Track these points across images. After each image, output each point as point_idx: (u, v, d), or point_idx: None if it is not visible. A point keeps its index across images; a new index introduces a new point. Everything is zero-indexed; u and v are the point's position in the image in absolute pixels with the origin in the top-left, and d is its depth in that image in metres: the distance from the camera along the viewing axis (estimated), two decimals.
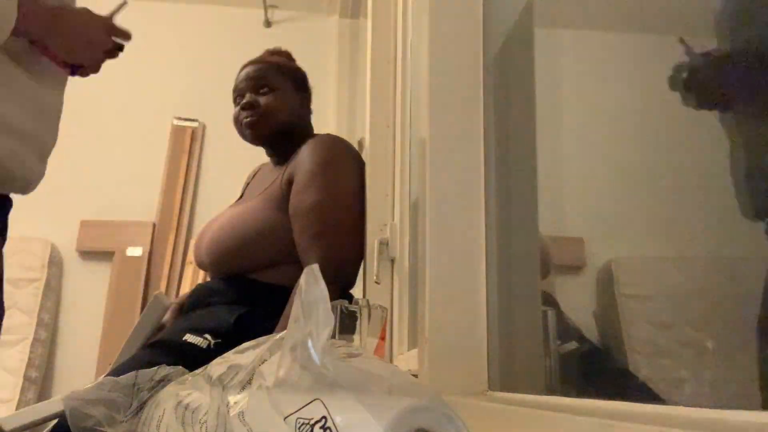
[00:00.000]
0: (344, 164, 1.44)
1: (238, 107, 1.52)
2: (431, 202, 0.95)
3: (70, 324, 2.82)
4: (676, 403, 0.50)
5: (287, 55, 1.66)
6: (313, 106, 1.69)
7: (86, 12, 1.08)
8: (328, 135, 1.54)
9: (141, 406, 0.79)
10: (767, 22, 0.55)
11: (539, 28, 0.96)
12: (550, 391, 0.83)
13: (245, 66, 1.57)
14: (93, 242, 2.92)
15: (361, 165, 1.50)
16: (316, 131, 1.66)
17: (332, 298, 1.38)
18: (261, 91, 1.50)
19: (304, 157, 1.42)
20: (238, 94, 1.54)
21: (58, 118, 1.09)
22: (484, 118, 0.98)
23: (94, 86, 3.13)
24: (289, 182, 1.41)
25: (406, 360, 1.21)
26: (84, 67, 1.10)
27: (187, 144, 3.08)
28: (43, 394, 2.63)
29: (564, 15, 0.93)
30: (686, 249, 0.69)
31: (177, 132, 3.10)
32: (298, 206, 1.36)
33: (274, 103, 1.50)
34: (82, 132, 3.03)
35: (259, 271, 1.39)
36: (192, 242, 2.95)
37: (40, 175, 1.06)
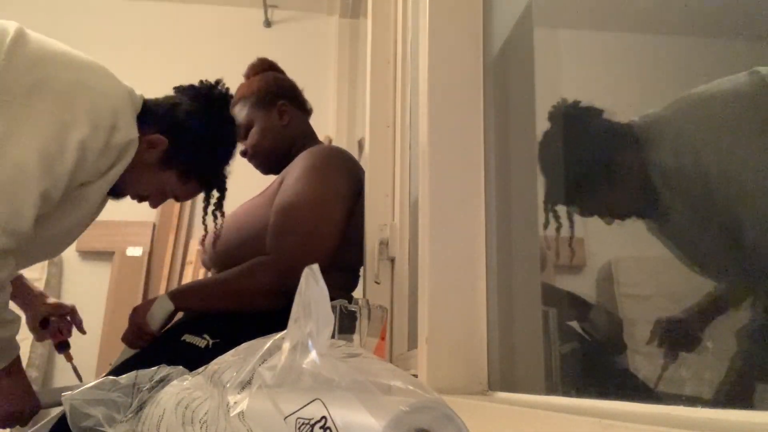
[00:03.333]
0: (330, 172, 1.43)
1: None
2: (431, 202, 0.95)
3: None
4: (676, 403, 0.50)
5: (255, 68, 1.67)
6: (313, 106, 1.69)
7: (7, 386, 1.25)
8: (327, 146, 1.55)
9: (141, 406, 0.79)
10: None
11: (539, 28, 0.96)
12: (550, 391, 0.82)
13: None
14: (93, 242, 2.92)
15: (355, 175, 1.49)
16: (316, 131, 1.66)
17: (277, 300, 1.34)
18: (243, 134, 1.58)
19: (297, 162, 1.45)
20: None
21: None
22: (484, 119, 0.98)
23: None
24: (281, 184, 1.43)
25: (406, 360, 1.21)
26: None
27: None
28: None
29: (564, 15, 0.93)
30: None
31: None
32: (276, 204, 1.38)
33: (254, 139, 1.56)
34: None
35: None
36: (192, 242, 2.95)
37: None
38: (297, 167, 1.43)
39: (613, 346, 0.80)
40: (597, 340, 0.86)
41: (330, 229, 1.37)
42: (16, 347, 1.21)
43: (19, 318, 1.19)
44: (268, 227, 1.37)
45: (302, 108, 1.63)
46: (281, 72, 1.70)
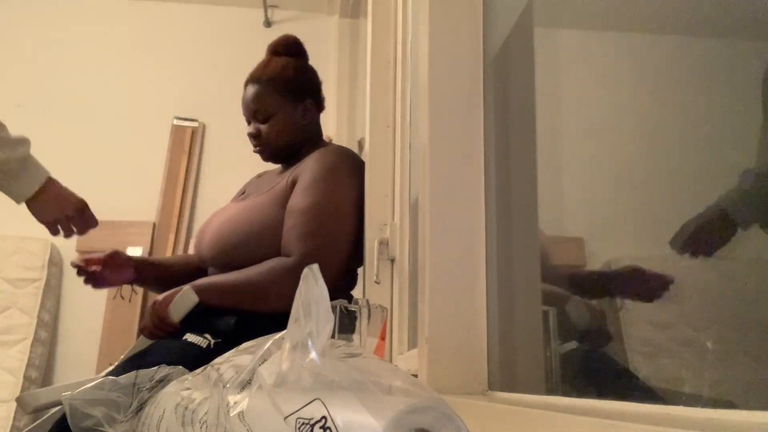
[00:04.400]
0: (347, 175, 1.44)
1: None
2: (431, 202, 0.95)
3: (70, 324, 2.82)
4: (676, 403, 0.50)
5: (289, 47, 1.60)
6: None
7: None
8: (338, 146, 1.56)
9: (141, 406, 0.79)
10: None
11: (539, 28, 0.96)
12: (550, 391, 0.82)
13: (247, 83, 1.55)
14: (93, 242, 2.91)
15: (362, 178, 1.50)
16: None
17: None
18: (260, 118, 1.52)
19: (311, 162, 1.44)
20: (244, 115, 1.56)
21: None
22: (484, 118, 0.98)
23: (94, 86, 3.14)
24: (294, 183, 1.42)
25: (406, 360, 1.21)
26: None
27: (187, 144, 3.09)
28: None
29: (564, 15, 0.93)
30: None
31: (177, 132, 3.10)
32: (294, 205, 1.37)
33: (272, 130, 1.51)
34: (82, 132, 3.02)
35: None
36: (192, 242, 2.95)
37: None
38: (311, 169, 1.41)
39: (597, 338, 0.80)
40: (579, 331, 0.86)
41: (348, 233, 1.39)
42: (40, 168, 1.31)
43: (26, 139, 1.25)
44: (277, 227, 1.37)
45: (320, 107, 1.64)
46: (307, 59, 1.64)
